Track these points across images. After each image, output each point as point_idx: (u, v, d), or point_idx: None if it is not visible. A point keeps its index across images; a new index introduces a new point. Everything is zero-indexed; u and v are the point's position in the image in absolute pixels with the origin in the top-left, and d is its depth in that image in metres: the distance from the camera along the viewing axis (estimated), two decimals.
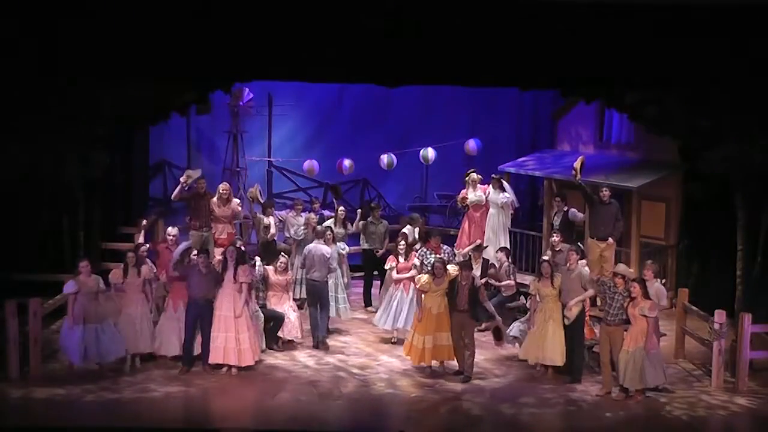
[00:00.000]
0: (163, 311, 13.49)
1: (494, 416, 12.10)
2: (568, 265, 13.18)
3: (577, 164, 15.38)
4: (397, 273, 14.58)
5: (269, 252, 14.96)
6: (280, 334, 14.17)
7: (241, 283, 13.09)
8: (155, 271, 13.52)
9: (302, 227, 15.94)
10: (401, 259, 14.61)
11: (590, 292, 12.97)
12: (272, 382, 13.02)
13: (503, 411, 12.22)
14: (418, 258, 14.72)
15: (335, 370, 13.54)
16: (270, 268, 14.35)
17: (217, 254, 14.37)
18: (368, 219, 16.59)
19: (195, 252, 13.39)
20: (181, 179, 15.44)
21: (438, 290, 13.14)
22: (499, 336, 13.82)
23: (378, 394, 12.75)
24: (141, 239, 14.25)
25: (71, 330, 12.68)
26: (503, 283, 14.89)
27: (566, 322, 13.02)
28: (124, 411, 11.95)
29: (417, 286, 13.48)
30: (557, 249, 14.33)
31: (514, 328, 13.88)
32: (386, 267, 14.96)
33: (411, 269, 14.47)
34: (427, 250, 14.97)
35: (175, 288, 13.39)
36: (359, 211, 16.72)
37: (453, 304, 13.13)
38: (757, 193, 14.27)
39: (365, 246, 16.54)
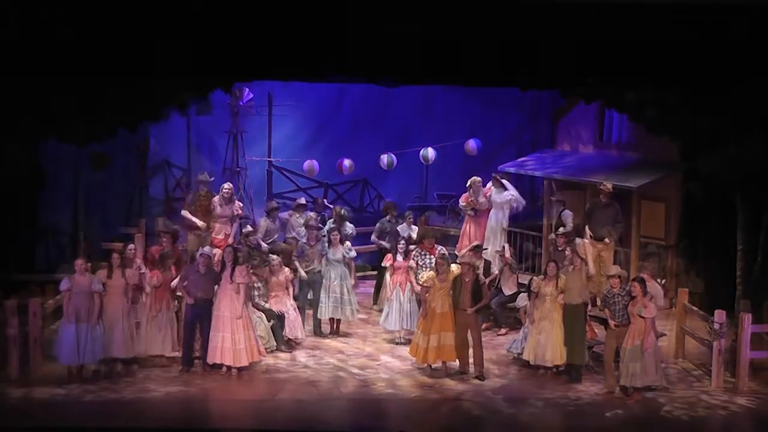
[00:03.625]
0: (144, 313, 13.32)
1: (494, 416, 12.10)
2: (572, 266, 13.18)
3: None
4: (393, 272, 14.60)
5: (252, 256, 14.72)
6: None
7: (239, 283, 13.08)
8: (143, 271, 13.28)
9: (303, 228, 15.91)
10: (399, 258, 14.61)
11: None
12: (272, 382, 13.02)
13: (503, 411, 12.23)
14: (413, 259, 14.73)
15: (335, 370, 13.54)
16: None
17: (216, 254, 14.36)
18: (386, 218, 16.57)
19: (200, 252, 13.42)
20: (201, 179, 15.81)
21: (442, 288, 13.12)
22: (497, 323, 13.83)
23: (378, 394, 12.76)
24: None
25: (65, 328, 12.66)
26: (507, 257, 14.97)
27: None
28: (124, 411, 11.95)
29: (421, 283, 13.47)
30: (559, 249, 14.30)
31: (520, 343, 13.80)
32: (383, 265, 14.98)
33: (407, 269, 14.49)
34: (422, 250, 14.97)
35: (155, 289, 13.32)
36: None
37: (457, 304, 13.13)
38: (757, 193, 14.26)
39: (385, 245, 16.45)
